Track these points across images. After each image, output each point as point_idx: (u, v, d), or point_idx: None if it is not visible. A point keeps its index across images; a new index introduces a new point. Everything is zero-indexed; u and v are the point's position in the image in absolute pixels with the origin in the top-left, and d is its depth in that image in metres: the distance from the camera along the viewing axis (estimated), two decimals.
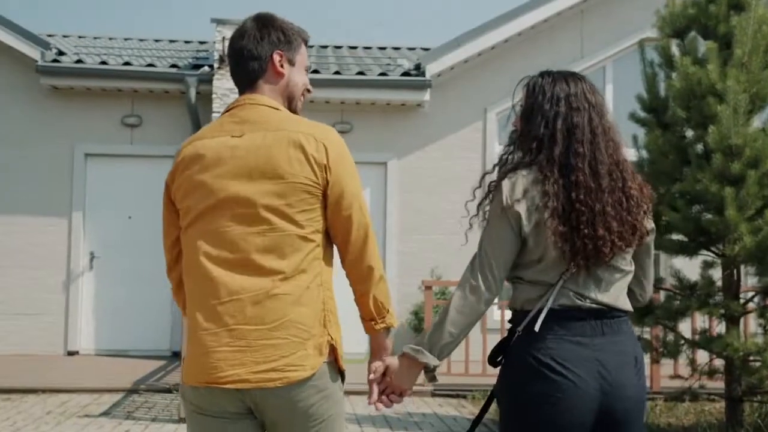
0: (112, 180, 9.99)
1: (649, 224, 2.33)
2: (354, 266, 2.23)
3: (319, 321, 2.16)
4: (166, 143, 9.91)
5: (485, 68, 10.23)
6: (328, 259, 2.24)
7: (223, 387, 2.11)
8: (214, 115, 9.49)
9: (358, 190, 2.24)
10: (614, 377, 2.18)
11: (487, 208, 2.32)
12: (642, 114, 6.15)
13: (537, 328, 2.18)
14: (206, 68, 9.79)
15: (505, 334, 2.33)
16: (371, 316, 2.27)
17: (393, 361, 2.32)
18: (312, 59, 10.51)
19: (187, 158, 2.23)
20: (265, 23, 2.30)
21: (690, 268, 6.15)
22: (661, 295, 6.39)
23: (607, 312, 2.23)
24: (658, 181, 5.86)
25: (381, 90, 9.69)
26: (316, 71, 9.84)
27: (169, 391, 7.63)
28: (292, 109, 2.32)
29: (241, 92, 2.30)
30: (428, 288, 8.44)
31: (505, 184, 2.25)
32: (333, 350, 2.19)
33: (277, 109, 2.25)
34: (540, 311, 2.20)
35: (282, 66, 2.28)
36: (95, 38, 11.61)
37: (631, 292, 2.36)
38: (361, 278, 2.24)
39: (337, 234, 2.22)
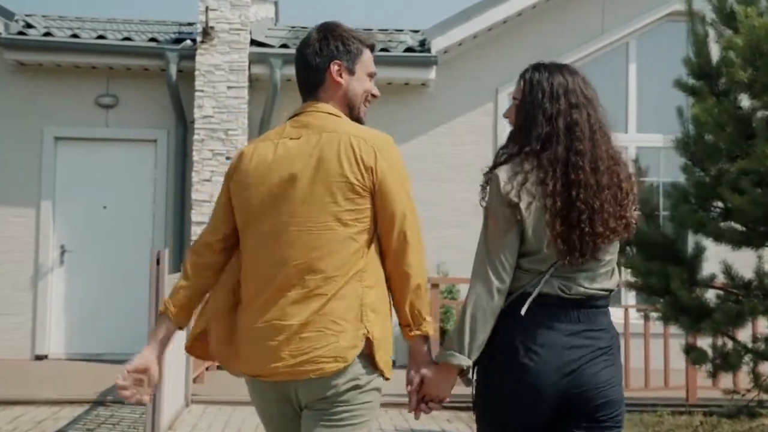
0: (85, 166, 9.18)
1: (635, 214, 2.40)
2: (392, 271, 2.34)
3: (356, 315, 2.25)
4: (144, 125, 9.16)
5: (496, 44, 9.40)
6: (374, 258, 2.32)
7: (262, 380, 2.29)
8: (196, 93, 8.71)
9: (405, 197, 2.33)
10: (583, 365, 2.27)
11: (485, 200, 2.39)
12: (690, 81, 5.20)
13: (523, 312, 2.29)
14: (188, 42, 8.92)
15: None
16: (407, 322, 2.35)
17: (427, 371, 2.37)
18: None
19: (247, 156, 2.38)
20: (326, 33, 2.41)
21: (742, 262, 5.24)
22: (711, 295, 5.40)
23: (586, 301, 2.32)
24: (711, 159, 4.95)
25: (382, 67, 8.52)
26: None
27: (140, 403, 6.69)
28: (354, 115, 2.42)
29: (304, 99, 2.43)
30: (434, 286, 7.56)
31: (501, 173, 2.32)
32: (369, 344, 2.26)
33: (338, 116, 2.37)
34: (523, 296, 2.31)
35: (340, 76, 2.39)
36: (77, 18, 10.72)
37: None
38: (397, 284, 2.33)
39: (381, 236, 2.32)
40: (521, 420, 2.32)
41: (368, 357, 2.27)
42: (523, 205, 2.27)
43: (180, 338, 6.51)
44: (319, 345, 2.21)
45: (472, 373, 2.39)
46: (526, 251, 2.31)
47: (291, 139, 2.33)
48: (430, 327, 2.36)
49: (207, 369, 7.96)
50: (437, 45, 9.03)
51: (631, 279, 4.93)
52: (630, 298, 9.08)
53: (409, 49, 9.10)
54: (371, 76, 2.47)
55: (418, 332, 2.34)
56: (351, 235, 2.26)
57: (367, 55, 2.44)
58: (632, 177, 2.40)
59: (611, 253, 2.37)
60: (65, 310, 9.11)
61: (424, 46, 9.16)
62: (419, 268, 2.32)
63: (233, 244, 2.43)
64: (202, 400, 6.93)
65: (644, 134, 9.55)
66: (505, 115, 2.51)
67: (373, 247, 2.33)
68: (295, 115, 2.42)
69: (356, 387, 2.26)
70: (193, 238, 8.53)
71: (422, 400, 2.40)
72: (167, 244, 8.91)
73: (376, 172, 2.27)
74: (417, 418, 2.46)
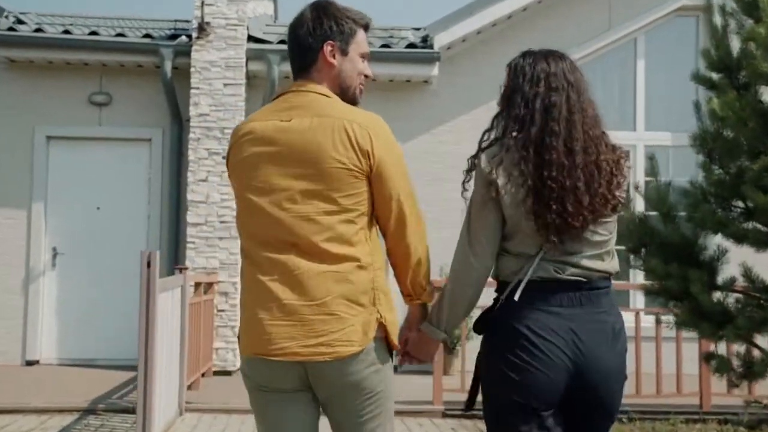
0: (77, 166, 8.97)
1: (622, 195, 2.40)
2: (392, 248, 2.38)
3: (369, 299, 2.28)
4: (138, 124, 8.95)
5: (501, 40, 9.10)
6: (377, 240, 2.36)
7: (274, 359, 2.26)
8: (192, 91, 8.49)
9: (402, 177, 2.36)
10: (588, 348, 2.30)
11: (470, 182, 2.44)
12: (709, 74, 4.94)
13: (516, 297, 2.32)
14: (184, 38, 8.69)
15: None
16: (408, 293, 2.43)
17: (413, 335, 2.48)
18: None
19: (240, 139, 2.37)
20: (319, 13, 2.38)
21: (762, 265, 4.98)
22: (730, 298, 5.13)
23: (585, 283, 2.34)
24: (731, 155, 4.69)
25: (383, 64, 8.46)
26: None
27: (132, 411, 6.44)
28: (349, 97, 2.41)
29: (295, 79, 2.40)
30: (436, 289, 7.27)
31: (483, 156, 2.39)
32: (382, 328, 2.31)
33: (329, 96, 2.35)
34: (519, 283, 2.34)
35: (333, 56, 2.36)
36: (71, 16, 10.50)
37: None
38: (399, 260, 2.38)
39: (379, 217, 2.36)
40: (529, 409, 2.32)
41: (382, 339, 2.33)
42: (500, 183, 2.32)
43: (173, 343, 6.31)
44: (335, 328, 2.24)
45: (449, 342, 2.59)
46: (509, 233, 2.38)
47: (282, 121, 2.32)
48: (429, 296, 2.45)
49: (203, 375, 7.72)
50: (440, 41, 8.80)
51: (647, 282, 4.68)
52: (639, 301, 8.85)
53: (411, 45, 8.87)
54: (365, 57, 2.45)
55: (419, 301, 2.45)
56: (351, 218, 2.29)
57: (360, 36, 2.42)
58: (621, 160, 2.41)
59: (604, 234, 2.39)
60: (57, 315, 8.89)
61: (426, 42, 8.93)
62: (419, 244, 2.38)
63: None
64: (196, 408, 6.67)
65: (653, 132, 9.32)
66: (498, 104, 2.55)
67: (374, 229, 2.38)
68: (283, 93, 2.40)
69: (377, 371, 2.31)
70: (189, 238, 8.38)
71: (407, 355, 2.53)
72: (161, 245, 8.72)
73: (372, 156, 2.29)
74: (400, 364, 2.59)
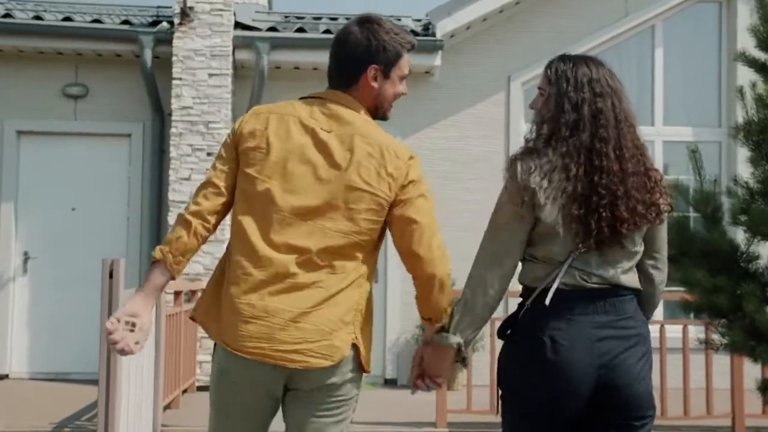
0: (51, 163, 8.50)
1: (669, 202, 2.46)
2: (415, 275, 2.44)
3: (351, 319, 2.37)
4: (117, 118, 8.46)
5: (509, 27, 8.62)
6: (371, 264, 2.45)
7: (245, 357, 2.31)
8: (174, 82, 7.94)
9: (430, 211, 2.44)
10: (613, 356, 2.32)
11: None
12: (757, 54, 4.30)
13: (547, 302, 2.33)
14: (165, 24, 8.12)
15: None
16: (429, 317, 2.50)
17: (427, 349, 2.51)
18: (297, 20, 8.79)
19: (272, 125, 2.40)
20: (368, 34, 2.44)
21: None
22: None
23: (611, 291, 2.37)
24: None
25: None
26: (301, 29, 8.24)
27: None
28: (380, 114, 2.50)
29: (332, 87, 2.48)
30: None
31: (520, 162, 2.39)
32: (356, 348, 2.39)
33: (366, 118, 2.45)
34: (546, 290, 2.36)
35: (375, 79, 2.44)
36: (43, 1, 9.95)
37: (647, 276, 2.49)
38: (423, 285, 2.44)
39: (402, 247, 2.42)
40: (550, 417, 2.35)
41: (355, 356, 2.40)
42: (540, 191, 2.34)
43: (144, 360, 5.68)
44: (312, 339, 2.30)
45: (461, 355, 2.46)
46: (540, 238, 2.39)
47: (322, 130, 2.38)
48: (449, 317, 2.47)
49: (185, 392, 7.09)
50: (443, 28, 8.21)
51: (689, 296, 4.02)
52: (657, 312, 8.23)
53: (411, 33, 8.22)
54: (403, 78, 2.51)
55: (438, 325, 2.47)
56: (361, 240, 2.36)
57: (404, 59, 2.48)
58: (658, 170, 2.47)
59: (637, 244, 2.42)
60: (28, 324, 8.39)
61: (428, 30, 8.37)
62: (443, 272, 2.41)
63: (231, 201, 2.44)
64: (174, 430, 6.03)
65: (672, 127, 8.73)
66: (531, 106, 2.56)
67: (375, 256, 2.45)
68: (322, 98, 2.45)
69: (351, 380, 2.40)
70: None
71: (420, 376, 2.53)
72: (142, 249, 8.20)
73: (403, 187, 2.37)
74: (413, 393, 2.65)
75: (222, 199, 2.39)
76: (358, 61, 2.42)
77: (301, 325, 2.28)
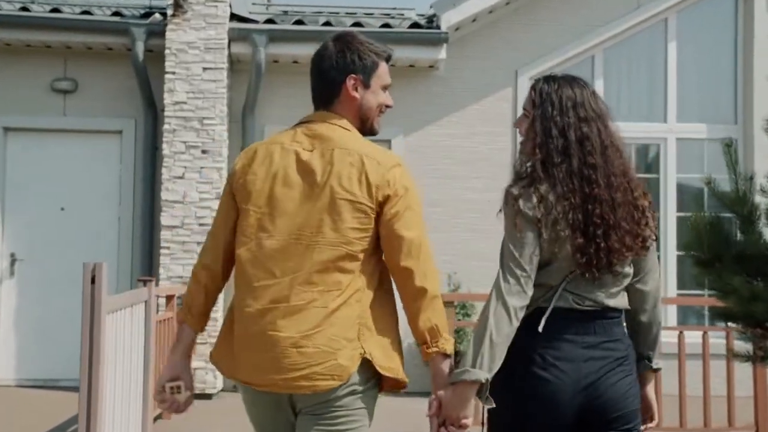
0: (39, 161, 8.33)
1: (654, 233, 2.50)
2: (403, 289, 2.44)
3: (354, 334, 2.36)
4: (108, 114, 8.27)
5: (516, 20, 8.40)
6: (372, 277, 2.43)
7: (256, 389, 2.40)
8: (167, 76, 7.72)
9: (417, 220, 2.44)
10: (601, 376, 2.37)
11: (502, 215, 2.47)
12: None
13: (540, 329, 2.38)
14: (157, 16, 7.89)
15: None
16: (424, 340, 2.42)
17: (444, 392, 2.39)
18: (296, 9, 8.52)
19: (259, 157, 2.48)
20: (342, 46, 2.50)
21: None
22: None
23: (600, 313, 2.42)
24: None
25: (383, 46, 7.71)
26: (300, 22, 7.97)
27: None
28: (368, 127, 2.55)
29: (316, 108, 2.55)
30: (448, 304, 6.35)
31: (519, 195, 2.40)
32: (367, 363, 2.36)
33: (349, 130, 2.49)
34: (538, 311, 2.40)
35: (356, 89, 2.49)
36: None
37: (634, 288, 2.53)
38: (411, 301, 2.41)
39: (390, 258, 2.44)
40: None
41: (363, 368, 2.37)
42: (542, 219, 2.37)
43: (132, 369, 5.38)
44: (316, 362, 2.31)
45: (485, 392, 2.36)
46: (539, 265, 2.40)
47: (304, 150, 2.44)
48: (449, 344, 2.42)
49: None
50: (448, 20, 7.96)
51: (724, 304, 3.70)
52: (671, 317, 7.97)
53: (414, 25, 8.05)
54: (386, 88, 2.56)
55: (435, 349, 2.40)
56: (353, 252, 2.38)
57: (382, 68, 2.53)
58: (647, 195, 2.49)
59: (625, 267, 2.46)
60: (16, 329, 8.20)
61: (432, 22, 8.13)
62: (431, 285, 2.41)
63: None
64: None
65: (685, 123, 8.46)
66: (515, 125, 2.60)
67: (373, 265, 2.45)
68: (306, 122, 2.51)
69: (353, 393, 2.37)
70: (164, 243, 7.67)
71: (443, 424, 2.40)
72: (134, 251, 8.01)
73: (386, 195, 2.39)
74: None
75: (224, 248, 2.53)
76: (337, 73, 2.47)
77: (304, 350, 2.31)
